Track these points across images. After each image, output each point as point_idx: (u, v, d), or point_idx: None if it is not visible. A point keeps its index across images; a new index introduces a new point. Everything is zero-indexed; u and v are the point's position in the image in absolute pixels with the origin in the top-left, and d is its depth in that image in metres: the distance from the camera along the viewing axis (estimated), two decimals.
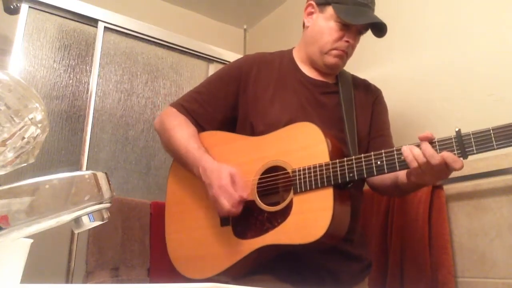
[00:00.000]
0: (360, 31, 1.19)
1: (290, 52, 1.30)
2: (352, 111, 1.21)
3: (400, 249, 1.38)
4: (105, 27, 1.78)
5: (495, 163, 1.27)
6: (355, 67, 1.34)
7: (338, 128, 1.17)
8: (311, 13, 1.23)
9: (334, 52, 1.18)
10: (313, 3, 1.22)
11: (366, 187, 1.25)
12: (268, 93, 1.20)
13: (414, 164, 0.90)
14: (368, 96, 1.29)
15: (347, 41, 1.17)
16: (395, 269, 1.36)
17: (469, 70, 1.42)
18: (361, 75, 1.36)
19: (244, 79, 1.22)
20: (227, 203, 1.01)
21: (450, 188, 1.37)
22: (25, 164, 0.40)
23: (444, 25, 1.54)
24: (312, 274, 1.09)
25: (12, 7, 1.67)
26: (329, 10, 1.17)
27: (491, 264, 1.25)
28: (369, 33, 1.20)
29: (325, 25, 1.17)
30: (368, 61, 1.77)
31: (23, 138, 0.39)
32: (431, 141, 0.91)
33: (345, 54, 1.19)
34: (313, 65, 1.24)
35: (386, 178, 1.11)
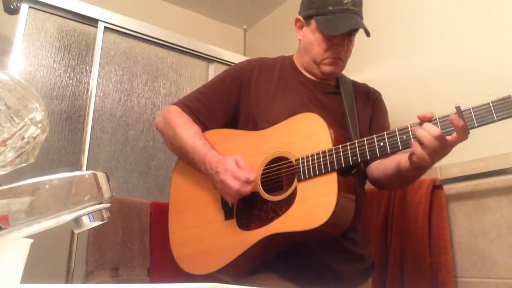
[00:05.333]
0: (349, 33, 1.20)
1: (290, 57, 1.33)
2: (354, 111, 1.22)
3: (400, 249, 1.38)
4: (105, 27, 1.78)
5: (495, 163, 1.27)
6: (354, 67, 1.35)
7: (341, 127, 1.17)
8: (301, 27, 1.27)
9: (327, 61, 1.21)
10: (300, 17, 1.26)
11: (367, 186, 1.25)
12: (270, 93, 1.22)
13: (433, 144, 0.88)
14: (368, 98, 1.31)
15: (337, 48, 1.19)
16: (395, 269, 1.36)
17: (469, 70, 1.42)
18: (361, 75, 1.37)
19: (246, 80, 1.24)
20: (235, 183, 1.02)
21: (450, 188, 1.37)
22: (25, 164, 0.40)
23: (444, 25, 1.54)
24: (315, 274, 1.09)
25: (12, 7, 1.67)
26: (313, 22, 1.20)
27: (491, 264, 1.25)
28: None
29: (312, 37, 1.21)
30: (368, 62, 1.77)
31: (23, 138, 0.39)
32: (431, 120, 0.91)
33: (339, 60, 1.21)
34: (311, 73, 1.27)
35: (388, 167, 1.11)
